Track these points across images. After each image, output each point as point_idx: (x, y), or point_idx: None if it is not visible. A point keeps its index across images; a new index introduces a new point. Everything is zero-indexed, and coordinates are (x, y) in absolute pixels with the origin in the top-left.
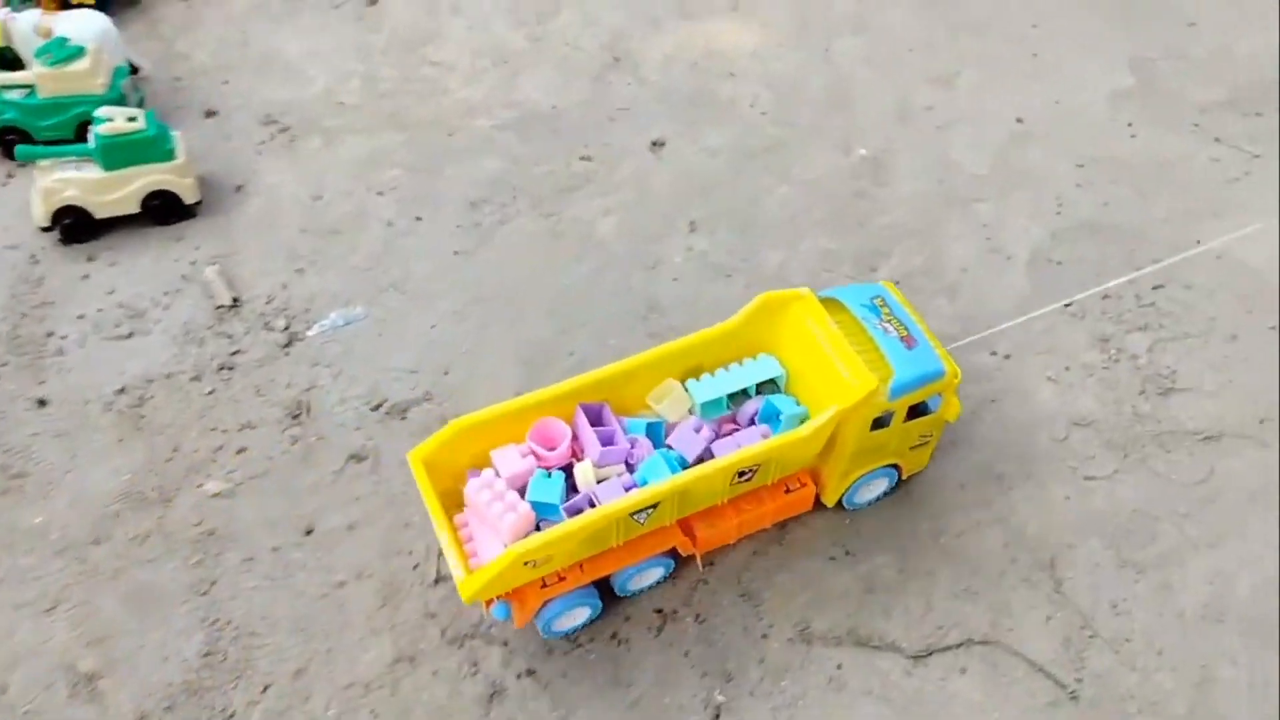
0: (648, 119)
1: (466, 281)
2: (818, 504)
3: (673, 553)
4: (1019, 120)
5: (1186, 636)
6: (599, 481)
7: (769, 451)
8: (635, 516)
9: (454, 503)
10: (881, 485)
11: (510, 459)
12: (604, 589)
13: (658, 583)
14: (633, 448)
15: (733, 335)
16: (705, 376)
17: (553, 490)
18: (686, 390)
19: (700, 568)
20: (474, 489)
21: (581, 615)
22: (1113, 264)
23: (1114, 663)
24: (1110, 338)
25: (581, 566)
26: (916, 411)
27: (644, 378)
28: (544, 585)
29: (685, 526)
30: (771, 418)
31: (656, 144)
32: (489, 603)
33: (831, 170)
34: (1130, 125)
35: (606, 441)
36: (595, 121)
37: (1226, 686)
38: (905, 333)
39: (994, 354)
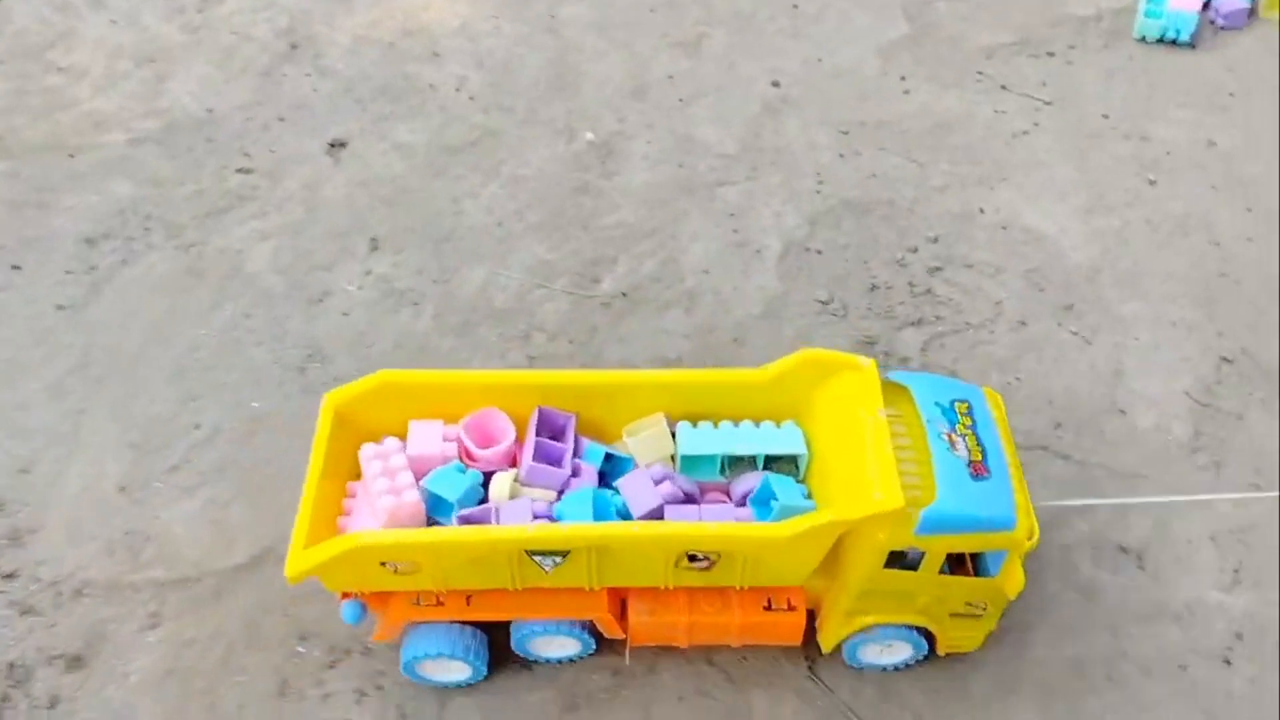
0: (327, 116)
1: (68, 346)
2: (811, 642)
3: (593, 629)
4: (775, 84)
5: None
6: (512, 498)
7: (726, 540)
8: (536, 559)
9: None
10: (903, 651)
11: (428, 437)
12: (504, 650)
13: (570, 659)
14: (575, 476)
15: (757, 388)
16: (704, 426)
17: (456, 486)
18: (673, 434)
19: (626, 660)
20: (367, 455)
21: (457, 670)
22: (882, 247)
23: None
24: (877, 338)
25: (469, 600)
26: (963, 567)
27: (634, 401)
28: (416, 603)
29: (618, 603)
30: (765, 503)
31: (335, 145)
32: (343, 595)
33: (551, 162)
34: (904, 80)
35: (547, 457)
36: (261, 124)
37: None
38: (979, 457)
39: None
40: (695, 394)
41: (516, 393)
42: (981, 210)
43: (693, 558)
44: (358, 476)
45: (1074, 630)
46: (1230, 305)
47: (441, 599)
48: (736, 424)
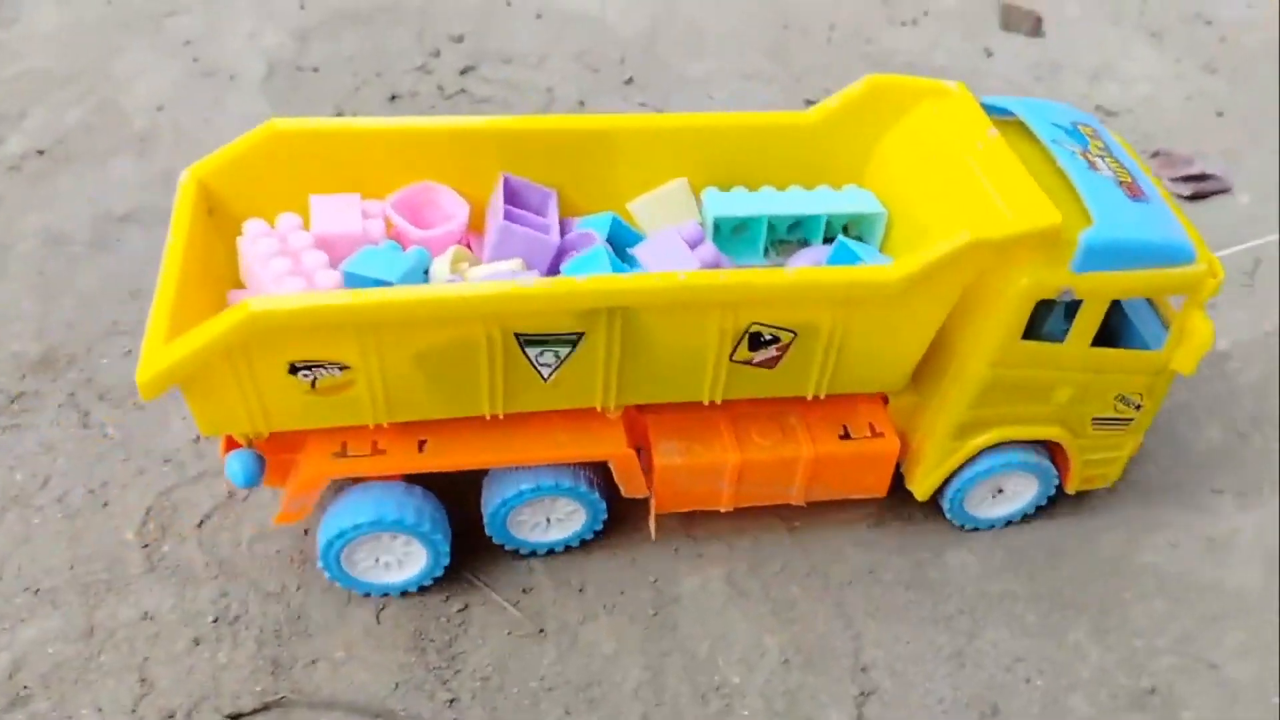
0: None
1: None
2: (899, 491)
3: (604, 477)
4: None
5: None
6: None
7: (818, 293)
8: (530, 351)
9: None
10: (1027, 489)
11: (339, 212)
12: (468, 533)
13: (567, 543)
14: (571, 249)
15: (803, 137)
16: (737, 191)
17: (394, 266)
18: (698, 200)
19: (651, 531)
20: (253, 233)
21: (406, 557)
22: (397, 55)
23: None
24: None
25: (422, 446)
26: (1114, 337)
27: (629, 162)
28: (341, 454)
29: (638, 439)
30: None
31: None
32: (228, 446)
33: None
34: None
35: (520, 222)
36: None
37: None
38: (1126, 179)
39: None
40: (715, 149)
41: (460, 151)
42: (509, 3)
43: (756, 342)
44: (231, 285)
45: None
46: (800, 52)
47: (380, 445)
48: (783, 190)
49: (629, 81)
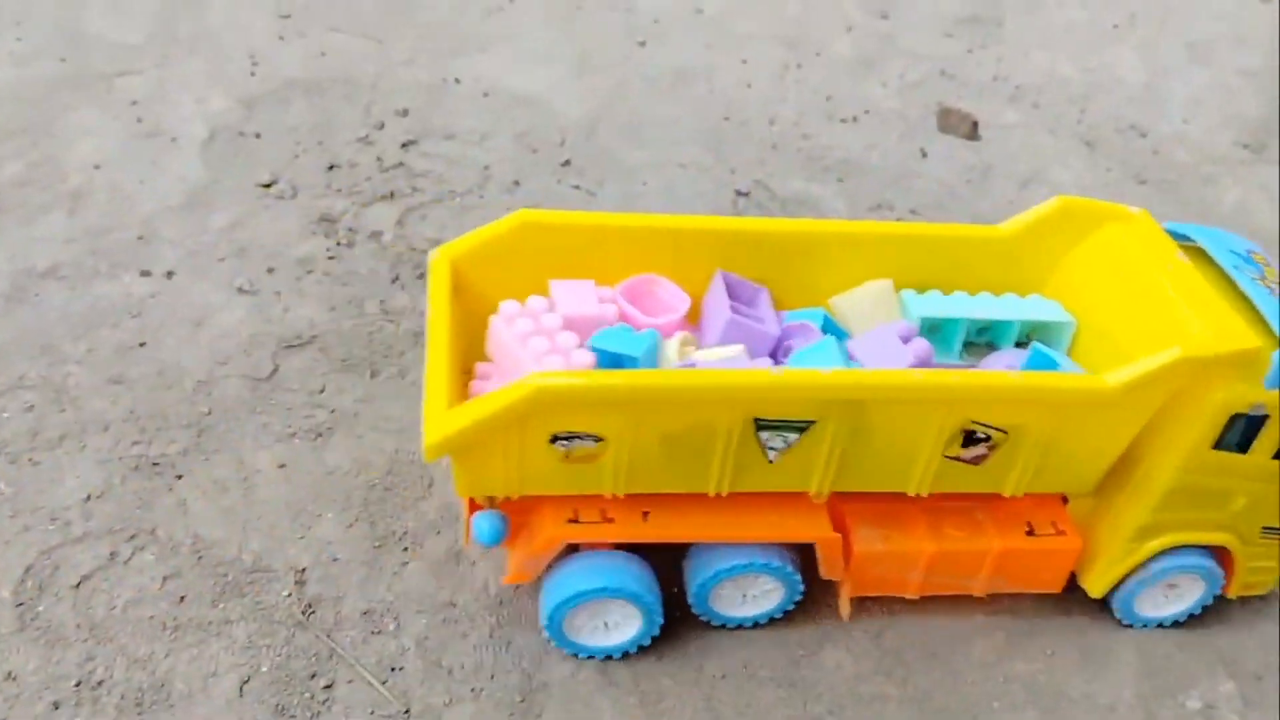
0: None
1: None
2: (1073, 588)
3: (804, 557)
4: None
5: None
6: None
7: (1037, 393)
8: (764, 435)
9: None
10: (1193, 592)
11: (579, 296)
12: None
13: (769, 616)
14: (786, 341)
15: (996, 250)
16: (934, 293)
17: (635, 344)
18: (900, 301)
19: (844, 614)
20: (506, 316)
21: (624, 622)
22: (341, 126)
23: None
24: (339, 216)
25: (646, 515)
26: None
27: (827, 264)
28: (574, 520)
29: (837, 524)
30: None
31: None
32: (472, 508)
33: None
34: None
35: (752, 321)
36: None
37: None
38: None
39: (147, 273)
40: (912, 255)
41: (679, 247)
42: (458, 80)
43: (969, 439)
44: (476, 356)
45: None
46: (738, 144)
47: (608, 514)
48: (974, 295)
49: (566, 164)
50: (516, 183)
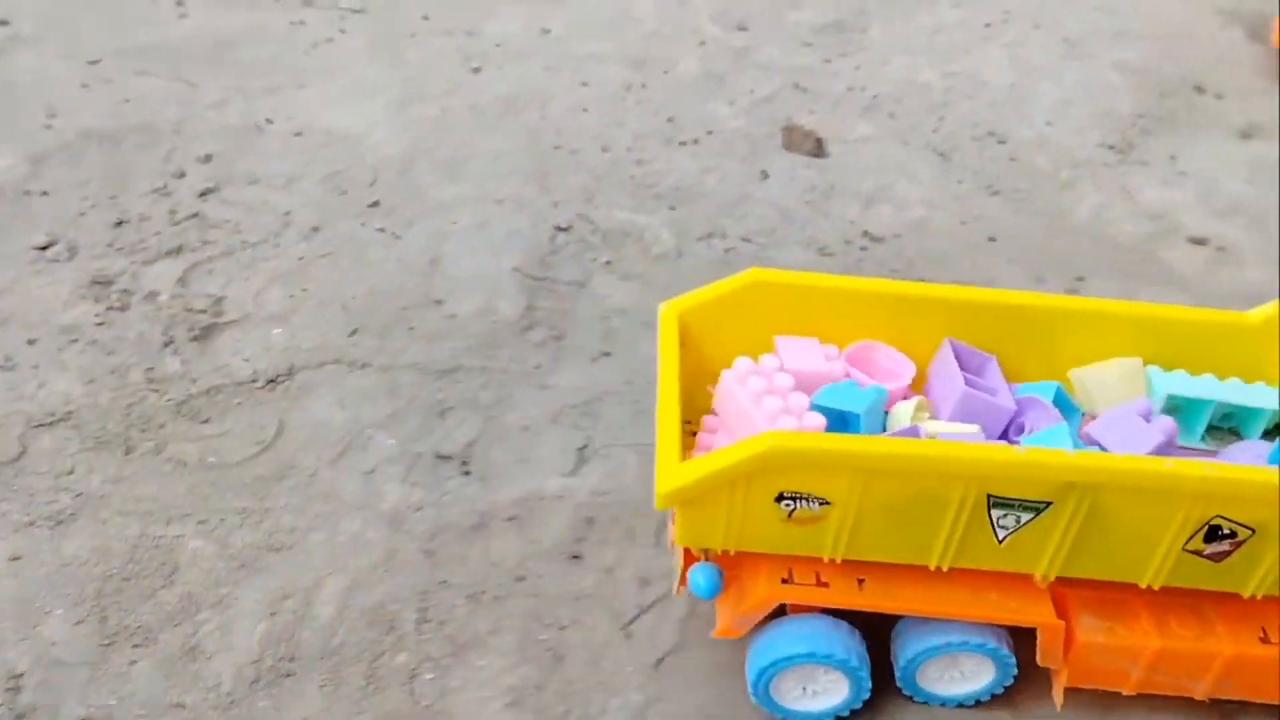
0: None
1: None
2: None
3: (1018, 640)
4: (2, 23)
5: None
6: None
7: None
8: (996, 512)
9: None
10: None
11: (805, 353)
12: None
13: (975, 698)
14: (1019, 416)
15: (1244, 334)
16: (1181, 373)
17: (859, 399)
18: (1146, 378)
19: (1058, 704)
20: (737, 375)
21: (836, 690)
22: (137, 178)
23: None
24: (115, 278)
25: (862, 583)
26: None
27: (1074, 335)
28: (788, 580)
29: (1060, 610)
30: None
31: None
32: (688, 561)
33: None
34: (180, 4)
35: (976, 388)
36: None
37: None
38: None
39: None
40: (1152, 335)
41: (905, 313)
42: (270, 121)
43: (1213, 534)
44: (703, 410)
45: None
46: (565, 175)
47: (822, 578)
48: (1221, 379)
49: (374, 204)
50: (316, 228)
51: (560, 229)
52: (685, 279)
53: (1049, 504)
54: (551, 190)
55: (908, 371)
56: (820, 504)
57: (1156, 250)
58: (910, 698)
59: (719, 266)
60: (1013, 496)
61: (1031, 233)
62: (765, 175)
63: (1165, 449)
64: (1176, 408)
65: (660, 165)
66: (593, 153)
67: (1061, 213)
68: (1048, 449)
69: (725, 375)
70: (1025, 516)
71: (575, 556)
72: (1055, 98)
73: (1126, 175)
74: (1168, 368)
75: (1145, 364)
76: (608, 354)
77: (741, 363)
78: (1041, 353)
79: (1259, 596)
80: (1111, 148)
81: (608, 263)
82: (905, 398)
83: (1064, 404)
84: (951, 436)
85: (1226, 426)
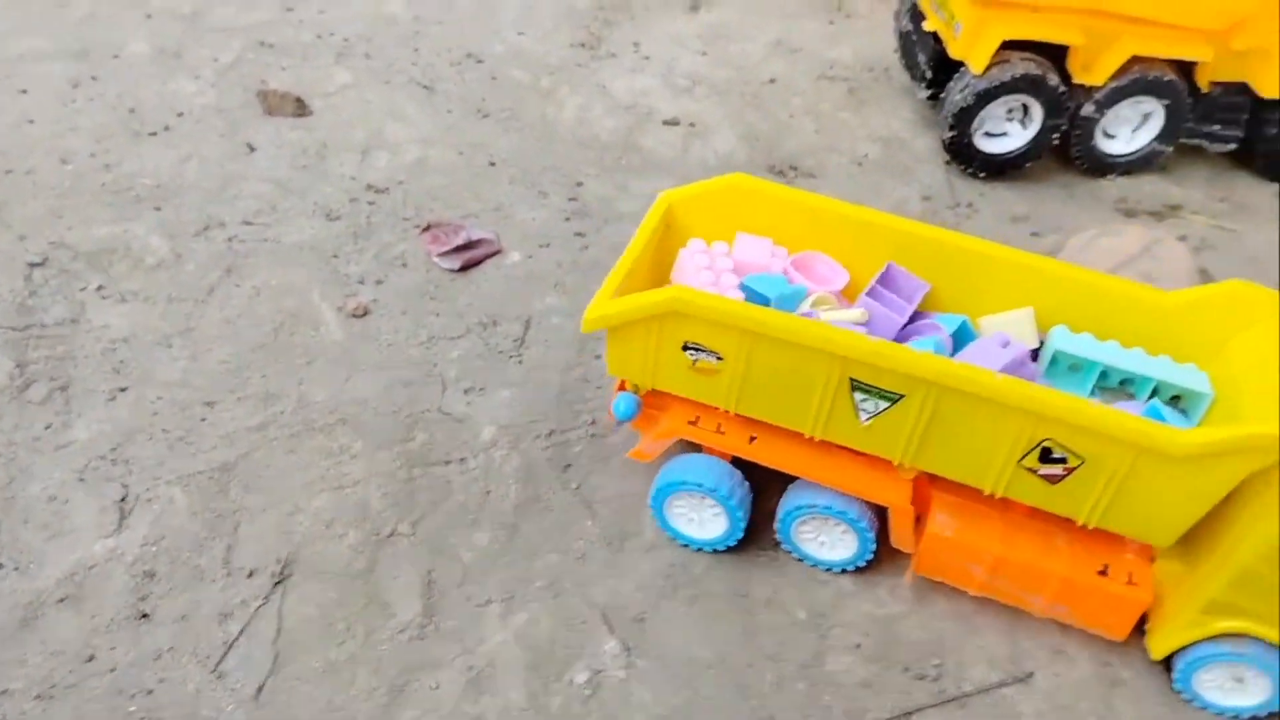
0: None
1: None
2: (1138, 639)
3: (881, 521)
4: None
5: None
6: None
7: (1110, 429)
8: (858, 395)
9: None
10: (1257, 692)
11: (756, 249)
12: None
13: (835, 567)
14: (918, 334)
15: (1158, 313)
16: (1085, 335)
17: (776, 286)
18: (1048, 335)
19: (907, 580)
20: (689, 252)
21: (711, 520)
22: None
23: None
24: None
25: (752, 440)
26: None
27: (996, 284)
28: (694, 423)
29: (922, 506)
30: None
31: None
32: (620, 387)
33: None
34: None
35: (889, 306)
36: None
37: None
38: None
39: None
40: (1077, 298)
41: (863, 234)
42: None
43: (1046, 455)
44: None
45: None
46: (24, 201)
47: (722, 428)
48: (1128, 349)
49: None
50: None
51: (34, 264)
52: (185, 284)
53: (901, 396)
54: (11, 223)
55: (840, 280)
56: (716, 358)
57: (636, 140)
58: (789, 554)
59: (228, 258)
60: (870, 383)
61: (525, 148)
62: (251, 149)
63: (1015, 370)
64: (1075, 367)
65: (131, 165)
66: (50, 168)
67: (548, 122)
68: (895, 345)
69: (681, 251)
70: (882, 404)
71: (144, 616)
72: (519, 5)
73: (598, 71)
74: (1078, 329)
75: (1063, 324)
76: (124, 389)
77: (695, 243)
78: (969, 295)
79: (1091, 526)
80: (582, 45)
81: (99, 288)
82: (837, 297)
83: (968, 336)
84: (835, 322)
85: (1124, 391)
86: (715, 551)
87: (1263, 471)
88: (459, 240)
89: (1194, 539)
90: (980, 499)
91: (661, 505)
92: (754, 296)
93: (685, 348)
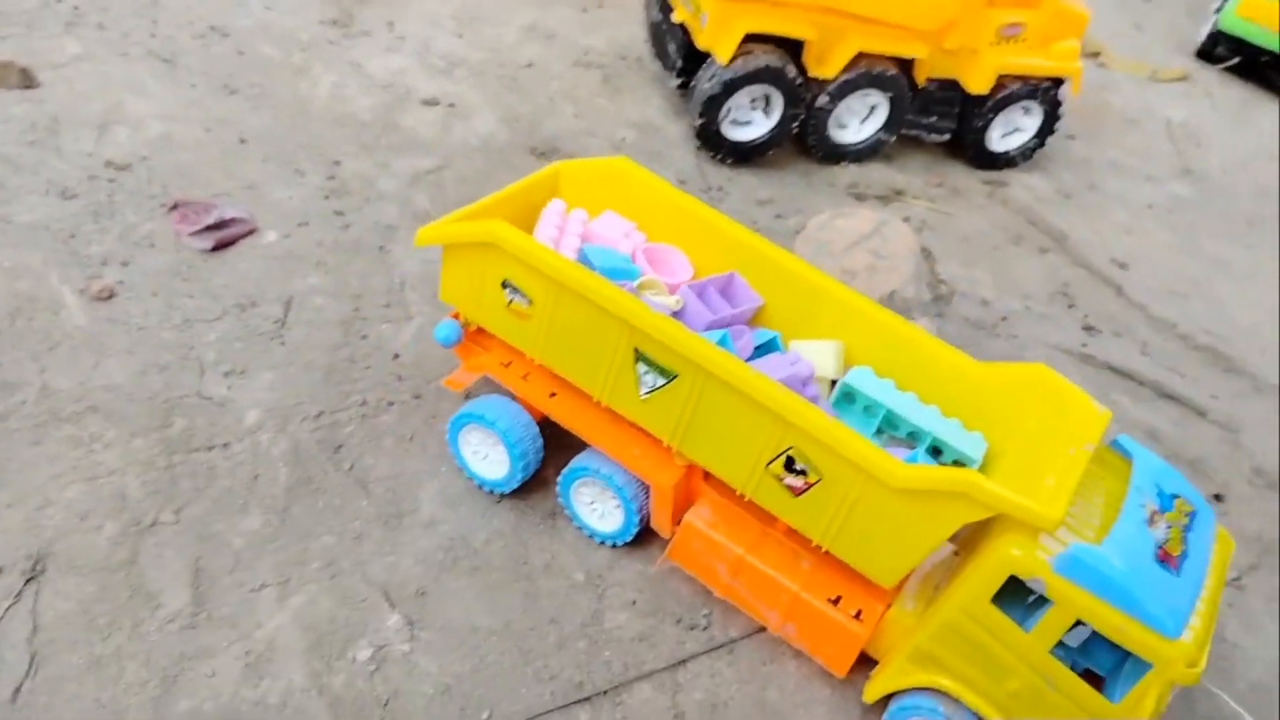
0: None
1: None
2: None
3: (646, 500)
4: None
5: None
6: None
7: (840, 447)
8: (641, 367)
9: None
10: None
11: (614, 227)
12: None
13: (601, 538)
14: (719, 325)
15: (965, 378)
16: (887, 381)
17: (609, 259)
18: (842, 368)
19: (655, 565)
20: (549, 210)
21: (497, 462)
22: None
23: None
24: None
25: (553, 396)
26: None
27: (821, 315)
28: (505, 365)
29: (683, 503)
30: None
31: None
32: (455, 316)
33: None
34: None
35: (709, 305)
36: None
37: None
38: (1176, 551)
39: None
40: (894, 348)
41: (720, 241)
42: None
43: (790, 465)
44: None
45: None
46: None
47: (528, 377)
48: (924, 403)
49: None
50: None
51: None
52: None
53: (675, 376)
54: None
55: (685, 273)
56: (528, 301)
57: (395, 119)
58: (568, 520)
59: None
60: (651, 356)
61: (277, 126)
62: None
63: (794, 386)
64: (867, 408)
65: None
66: None
67: (301, 99)
68: (673, 321)
69: (544, 209)
70: (660, 380)
71: None
72: None
73: (352, 49)
74: (890, 377)
75: (875, 370)
76: None
77: (556, 203)
78: (800, 319)
79: (823, 548)
80: (334, 23)
81: None
82: (674, 289)
83: (772, 346)
84: (650, 303)
85: (909, 432)
86: (496, 494)
87: (984, 528)
88: (210, 219)
89: (934, 596)
90: (746, 506)
91: (456, 435)
92: (586, 263)
93: (504, 285)
